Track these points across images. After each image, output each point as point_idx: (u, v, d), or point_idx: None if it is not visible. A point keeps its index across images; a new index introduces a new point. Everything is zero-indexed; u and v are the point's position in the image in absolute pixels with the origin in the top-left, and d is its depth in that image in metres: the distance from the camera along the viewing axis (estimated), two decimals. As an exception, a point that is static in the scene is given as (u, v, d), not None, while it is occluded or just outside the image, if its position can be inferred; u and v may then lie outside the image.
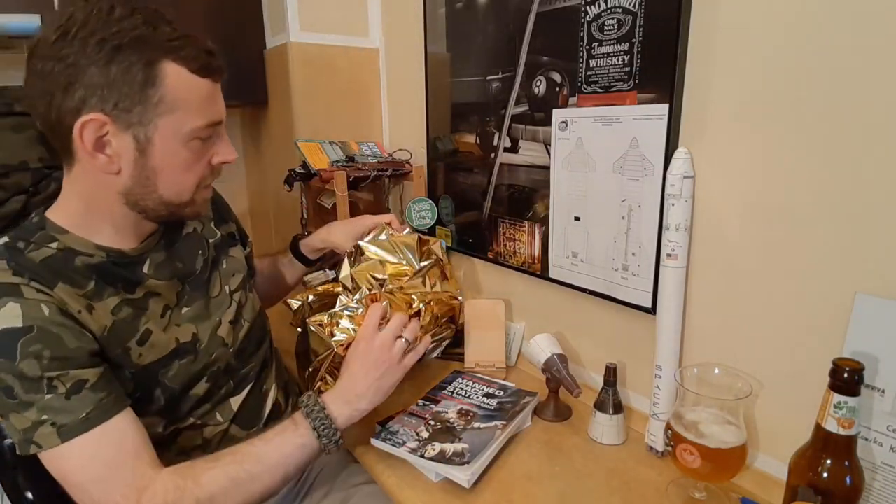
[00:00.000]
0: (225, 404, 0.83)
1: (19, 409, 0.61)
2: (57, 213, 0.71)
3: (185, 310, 0.79)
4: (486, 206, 1.20)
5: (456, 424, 0.87)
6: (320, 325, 0.92)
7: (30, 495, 0.85)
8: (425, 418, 0.88)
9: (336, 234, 1.06)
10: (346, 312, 0.93)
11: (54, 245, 0.68)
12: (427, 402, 0.94)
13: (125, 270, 0.73)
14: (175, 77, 0.64)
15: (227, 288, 0.87)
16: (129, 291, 0.73)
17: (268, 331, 0.97)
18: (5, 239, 0.68)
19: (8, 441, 0.87)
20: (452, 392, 0.98)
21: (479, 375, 1.05)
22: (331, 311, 0.94)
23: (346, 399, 0.77)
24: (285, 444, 0.71)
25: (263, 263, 1.13)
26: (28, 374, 0.61)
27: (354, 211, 1.31)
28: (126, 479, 0.63)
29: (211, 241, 0.88)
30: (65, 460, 0.62)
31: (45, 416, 0.61)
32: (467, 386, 1.00)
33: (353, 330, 0.91)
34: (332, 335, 0.91)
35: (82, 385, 0.63)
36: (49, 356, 0.61)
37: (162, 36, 0.63)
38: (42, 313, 0.62)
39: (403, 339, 0.83)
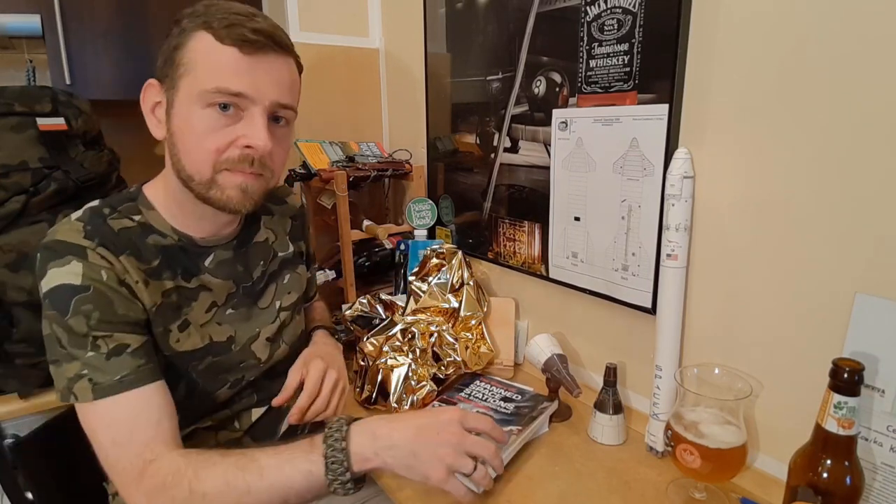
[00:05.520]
0: (245, 414, 0.84)
1: (66, 360, 0.65)
2: (151, 189, 0.76)
3: (229, 311, 0.80)
4: (486, 207, 1.20)
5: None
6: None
7: (30, 495, 0.86)
8: None
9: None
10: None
11: (137, 218, 0.73)
12: (443, 405, 0.92)
13: (188, 258, 0.76)
14: (198, 42, 0.66)
15: (277, 303, 0.87)
16: (186, 280, 0.75)
17: None
18: (95, 203, 0.72)
19: (8, 441, 0.87)
20: (469, 395, 0.97)
21: (497, 378, 1.04)
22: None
23: (377, 434, 0.64)
24: (291, 465, 0.62)
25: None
26: (75, 330, 0.64)
27: (354, 211, 1.30)
28: (139, 448, 0.64)
29: (281, 254, 0.89)
30: (95, 416, 0.65)
31: (85, 371, 0.64)
32: (484, 389, 0.99)
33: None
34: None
35: (123, 349, 0.66)
36: (97, 317, 0.65)
37: (214, 13, 0.66)
38: (101, 276, 0.66)
39: (481, 440, 0.68)
